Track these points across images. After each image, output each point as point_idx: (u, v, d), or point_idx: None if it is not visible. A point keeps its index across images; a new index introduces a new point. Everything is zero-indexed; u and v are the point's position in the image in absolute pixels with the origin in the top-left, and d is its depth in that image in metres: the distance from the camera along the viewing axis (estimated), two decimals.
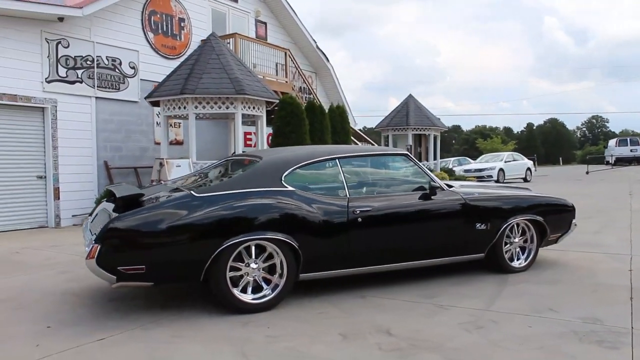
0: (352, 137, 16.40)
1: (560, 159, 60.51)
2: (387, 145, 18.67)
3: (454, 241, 4.76)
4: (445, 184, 5.07)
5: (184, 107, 9.86)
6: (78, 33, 10.50)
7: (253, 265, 4.04)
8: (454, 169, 21.20)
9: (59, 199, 10.04)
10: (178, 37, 12.95)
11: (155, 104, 10.46)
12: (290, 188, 4.21)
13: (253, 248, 4.02)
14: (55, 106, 10.08)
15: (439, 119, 19.25)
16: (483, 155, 25.25)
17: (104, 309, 4.23)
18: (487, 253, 4.96)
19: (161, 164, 9.41)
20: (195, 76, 9.78)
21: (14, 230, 9.39)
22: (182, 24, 13.08)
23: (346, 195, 4.40)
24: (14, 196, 9.59)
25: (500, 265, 5.04)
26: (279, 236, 4.00)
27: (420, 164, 4.90)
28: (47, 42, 9.96)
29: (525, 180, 21.95)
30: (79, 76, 10.54)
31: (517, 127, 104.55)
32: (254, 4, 15.51)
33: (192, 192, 4.03)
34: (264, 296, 4.06)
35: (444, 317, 3.83)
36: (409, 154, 4.86)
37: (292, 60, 15.22)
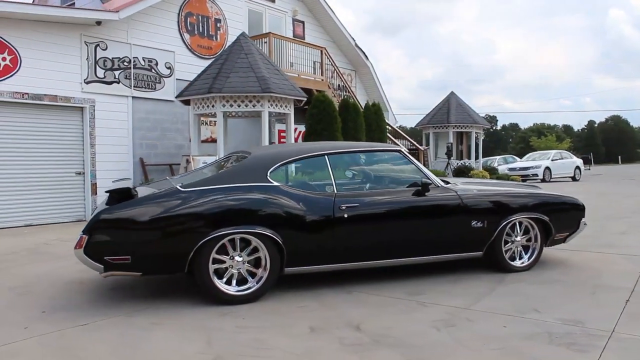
0: (389, 135, 16.28)
1: (620, 157, 57.50)
2: (427, 143, 18.41)
3: (447, 239, 4.68)
4: (443, 181, 5.00)
5: (212, 106, 10.11)
6: (116, 36, 10.97)
7: (237, 258, 4.13)
8: (498, 167, 20.64)
9: (96, 194, 10.53)
10: (214, 38, 13.28)
11: (187, 102, 10.77)
12: (275, 183, 4.28)
13: (237, 241, 4.12)
14: (94, 106, 10.58)
15: (482, 117, 18.77)
16: (530, 154, 24.38)
17: (101, 297, 4.44)
18: (485, 251, 4.85)
19: (188, 161, 9.70)
20: (223, 75, 10.01)
21: (53, 223, 9.93)
22: (218, 25, 13.39)
23: (333, 191, 4.41)
24: (55, 191, 10.14)
25: (500, 264, 4.91)
26: (262, 230, 4.07)
27: (416, 160, 4.83)
28: (86, 45, 10.46)
29: (574, 179, 21.06)
30: (116, 77, 11.01)
31: (578, 124, 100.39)
32: (291, 3, 15.65)
33: (177, 186, 4.18)
34: (248, 288, 4.15)
35: (420, 314, 3.79)
36: (403, 150, 4.81)
37: (328, 58, 15.26)
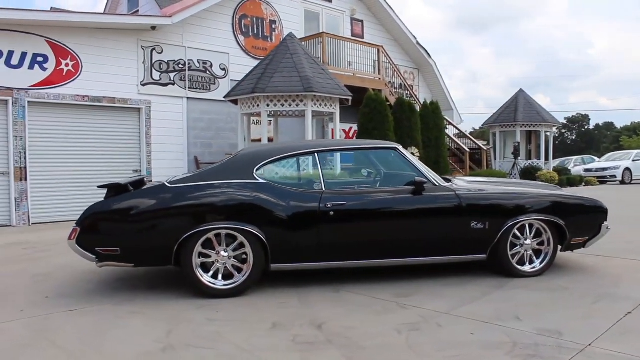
0: (449, 134, 15.84)
1: None
2: (495, 143, 17.68)
3: (444, 240, 4.48)
4: (445, 179, 4.80)
5: (257, 105, 10.33)
6: (171, 39, 11.51)
7: (223, 253, 4.21)
8: (574, 168, 19.40)
9: None
10: (269, 39, 13.55)
11: (236, 102, 11.08)
12: (261, 181, 4.31)
13: (223, 237, 4.20)
14: (149, 107, 11.17)
15: (552, 114, 17.71)
16: (610, 154, 22.63)
17: (103, 286, 4.68)
18: (489, 254, 4.60)
19: None
20: (267, 75, 10.20)
21: None
22: (273, 26, 13.66)
23: (321, 189, 4.37)
24: None
25: (505, 268, 4.64)
26: (244, 226, 4.12)
27: (412, 159, 4.67)
28: (143, 49, 11.07)
29: None
30: (172, 79, 11.55)
31: None
32: (349, 2, 15.65)
33: (165, 182, 4.33)
34: (232, 283, 4.22)
35: (393, 316, 3.66)
36: (399, 148, 4.66)
37: (385, 56, 15.09)
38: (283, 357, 2.99)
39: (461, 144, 15.20)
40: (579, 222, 4.77)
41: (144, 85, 11.10)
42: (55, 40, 9.81)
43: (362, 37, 15.74)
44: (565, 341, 3.10)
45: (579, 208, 4.82)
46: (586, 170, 18.87)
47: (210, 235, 4.17)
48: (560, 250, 4.89)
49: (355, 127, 14.25)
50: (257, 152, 4.56)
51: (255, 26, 13.27)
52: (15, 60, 9.35)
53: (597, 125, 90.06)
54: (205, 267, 4.23)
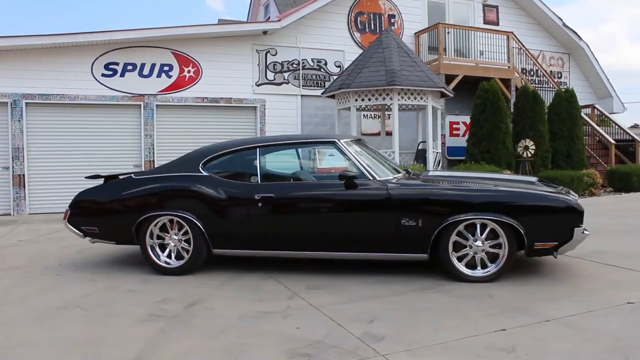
0: (591, 122, 13.91)
1: None
2: None
3: (372, 236, 4.38)
4: (396, 170, 4.67)
5: (348, 101, 10.62)
6: (285, 42, 12.40)
7: (174, 237, 4.81)
8: None
9: None
10: None
11: (334, 97, 11.48)
12: (205, 173, 4.78)
13: (175, 222, 4.79)
14: (264, 105, 12.23)
15: None
16: None
17: (107, 260, 5.57)
18: (430, 254, 4.37)
19: None
20: (356, 71, 10.41)
21: None
22: (392, 20, 13.67)
23: (257, 182, 4.67)
24: None
25: (449, 271, 4.34)
26: (184, 214, 4.66)
27: (351, 152, 4.62)
28: (257, 53, 12.17)
29: None
30: (285, 78, 12.46)
31: None
32: None
33: (132, 174, 5.08)
34: (179, 263, 4.79)
35: (263, 305, 3.82)
36: (338, 141, 4.64)
37: (517, 43, 13.90)
38: (124, 322, 3.50)
39: (606, 136, 13.21)
40: (542, 224, 4.22)
41: (258, 85, 12.21)
42: (179, 51, 11.46)
43: (497, 24, 14.70)
44: (369, 347, 2.98)
45: (542, 208, 4.24)
46: None
47: (165, 220, 4.80)
48: (526, 256, 4.37)
49: None
50: (207, 148, 5.05)
51: (372, 22, 13.45)
52: (146, 71, 11.21)
53: None
54: (164, 248, 4.88)
